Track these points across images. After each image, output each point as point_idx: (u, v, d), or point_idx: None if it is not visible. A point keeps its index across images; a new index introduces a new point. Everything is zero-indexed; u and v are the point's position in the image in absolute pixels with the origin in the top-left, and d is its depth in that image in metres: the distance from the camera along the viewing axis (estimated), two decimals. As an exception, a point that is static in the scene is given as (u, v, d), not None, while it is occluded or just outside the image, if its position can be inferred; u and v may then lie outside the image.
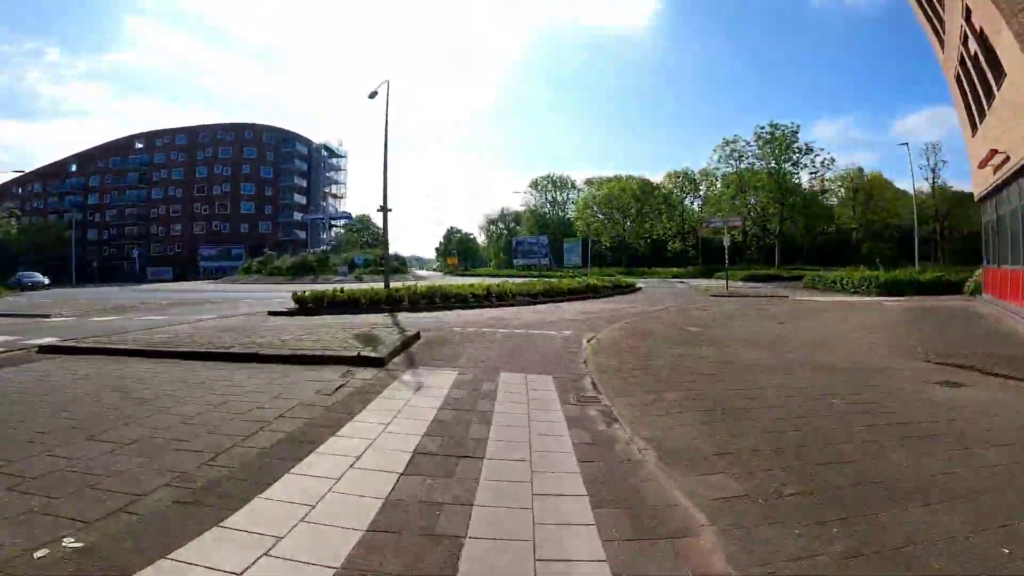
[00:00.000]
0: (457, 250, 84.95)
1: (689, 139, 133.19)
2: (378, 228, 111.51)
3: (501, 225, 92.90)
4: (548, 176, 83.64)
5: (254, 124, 76.32)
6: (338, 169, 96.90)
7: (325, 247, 66.36)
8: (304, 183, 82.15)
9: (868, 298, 20.61)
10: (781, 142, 39.22)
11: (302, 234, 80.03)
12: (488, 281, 21.52)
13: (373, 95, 17.63)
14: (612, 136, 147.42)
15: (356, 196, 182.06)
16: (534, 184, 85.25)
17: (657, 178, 62.51)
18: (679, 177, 58.89)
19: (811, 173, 40.02)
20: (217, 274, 60.74)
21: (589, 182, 73.94)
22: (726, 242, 22.38)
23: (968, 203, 53.18)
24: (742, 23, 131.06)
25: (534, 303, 16.06)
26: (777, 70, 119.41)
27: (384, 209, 16.70)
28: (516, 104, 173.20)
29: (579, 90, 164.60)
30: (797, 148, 39.08)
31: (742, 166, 41.91)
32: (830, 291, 24.73)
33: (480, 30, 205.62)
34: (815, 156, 39.32)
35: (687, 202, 60.77)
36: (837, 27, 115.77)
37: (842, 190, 44.11)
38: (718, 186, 52.25)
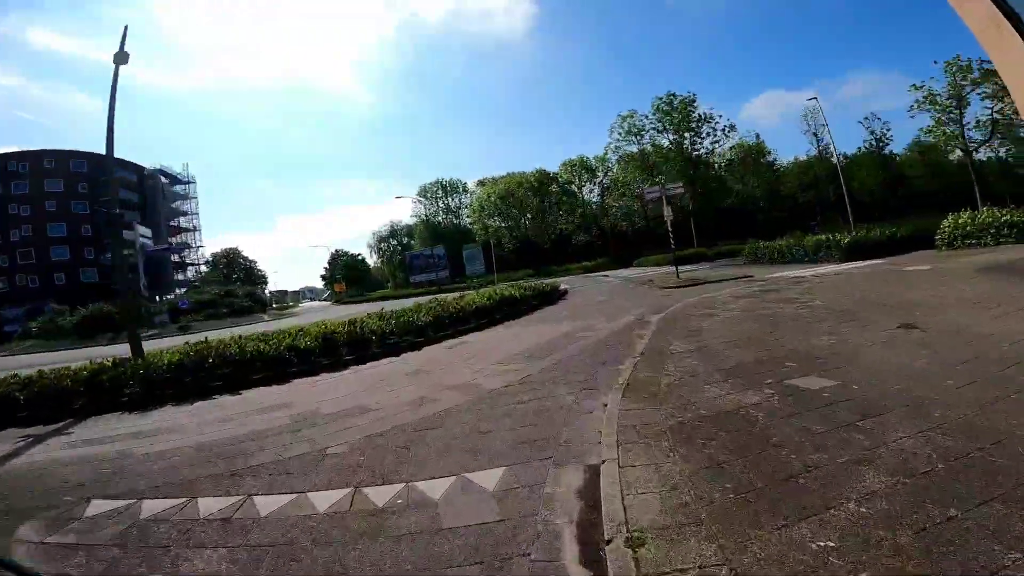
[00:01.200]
0: (345, 274, 74.58)
1: (579, 135, 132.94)
2: (251, 261, 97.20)
3: (394, 241, 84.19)
4: (438, 181, 76.66)
5: (55, 150, 60.78)
6: (186, 197, 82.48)
7: (142, 293, 53.70)
8: (138, 217, 67.13)
9: (853, 265, 16.26)
10: (681, 111, 35.86)
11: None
12: (350, 312, 14.19)
13: (122, 58, 9.83)
14: (502, 141, 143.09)
15: (223, 226, 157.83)
16: (423, 192, 77.88)
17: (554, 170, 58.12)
18: (575, 165, 54.79)
19: (713, 141, 37.31)
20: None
21: (481, 183, 68.01)
22: (668, 215, 16.97)
23: (850, 167, 54.71)
24: (610, 21, 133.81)
25: (417, 346, 9.02)
26: (645, 63, 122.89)
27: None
28: (401, 119, 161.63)
29: (464, 98, 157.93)
30: (697, 117, 35.97)
31: (644, 141, 38.27)
32: (785, 263, 20.64)
33: (355, 44, 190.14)
34: (715, 124, 36.63)
35: (586, 191, 56.97)
36: (690, 19, 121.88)
37: (737, 160, 42.09)
38: (614, 170, 48.57)
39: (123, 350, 9.11)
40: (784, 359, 4.78)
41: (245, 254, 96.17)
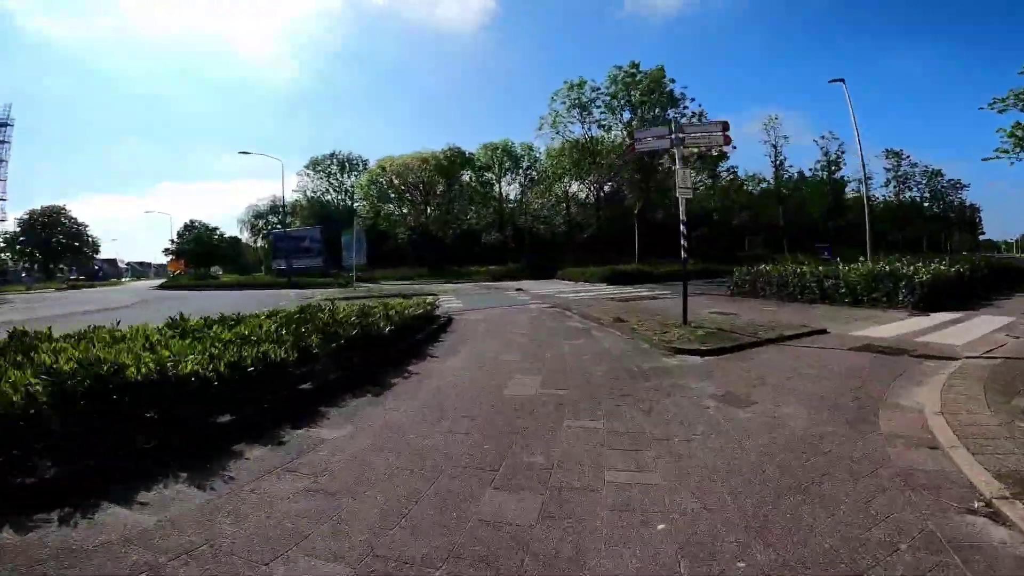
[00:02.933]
0: (192, 250, 58.95)
1: (516, 136, 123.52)
2: (80, 225, 76.95)
3: (274, 219, 69.31)
4: (333, 154, 63.71)
5: None
6: (-2, 141, 62.95)
7: None
8: None
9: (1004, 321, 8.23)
10: (648, 85, 26.99)
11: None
12: None
13: None
14: (435, 132, 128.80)
15: (91, 186, 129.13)
16: (313, 164, 64.51)
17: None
18: (497, 150, 45.13)
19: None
20: None
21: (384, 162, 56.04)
22: (683, 187, 7.73)
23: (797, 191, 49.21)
24: (563, 29, 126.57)
25: None
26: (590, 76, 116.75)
27: None
28: (325, 97, 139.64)
29: (399, 83, 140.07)
30: (667, 95, 27.50)
31: (591, 119, 29.25)
32: (810, 302, 12.87)
33: (286, 14, 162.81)
34: (685, 108, 28.43)
35: (505, 183, 47.66)
36: (635, 33, 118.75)
37: (707, 163, 34.15)
38: (542, 159, 39.66)
39: None
40: None
41: (74, 215, 75.72)
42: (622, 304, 12.82)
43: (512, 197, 49.23)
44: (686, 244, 7.88)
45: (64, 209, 73.44)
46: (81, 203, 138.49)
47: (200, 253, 59.16)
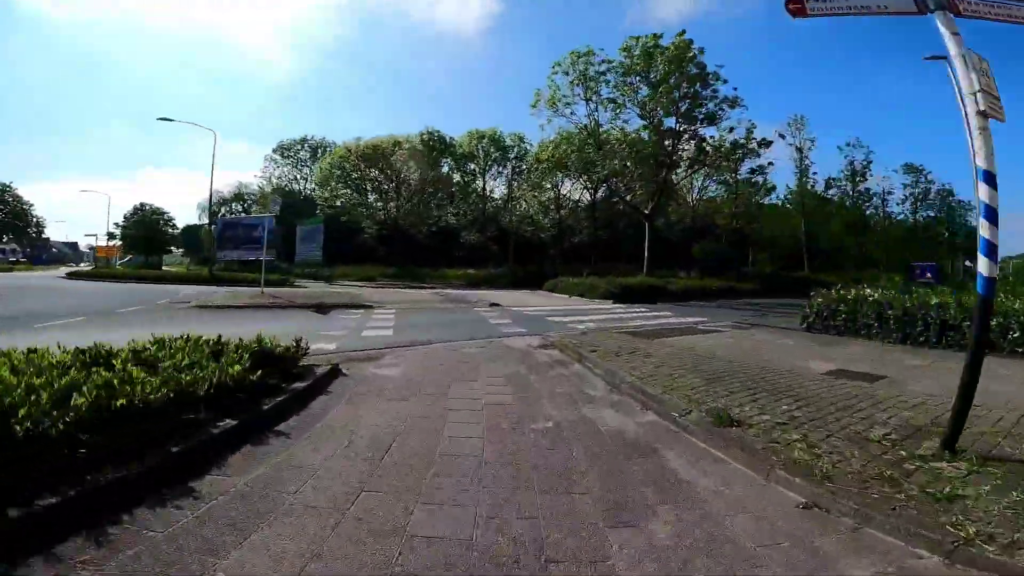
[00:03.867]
0: (140, 235, 52.73)
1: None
2: (25, 204, 71.98)
3: (239, 207, 63.50)
4: (304, 139, 58.41)
5: None
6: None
7: None
8: None
9: None
10: (676, 56, 21.10)
11: None
12: None
13: None
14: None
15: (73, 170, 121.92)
16: (282, 150, 59.03)
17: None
18: (484, 138, 39.66)
19: (705, 115, 22.82)
20: None
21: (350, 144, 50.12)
22: (990, 99, 2.75)
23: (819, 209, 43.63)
24: (568, 37, 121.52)
25: None
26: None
27: None
28: (318, 91, 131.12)
29: (397, 80, 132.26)
30: (697, 70, 21.56)
31: (601, 95, 23.56)
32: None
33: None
34: (715, 89, 22.30)
35: (490, 177, 42.23)
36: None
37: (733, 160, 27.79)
38: (534, 150, 34.35)
39: None
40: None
41: (19, 193, 70.70)
42: (659, 344, 7.64)
43: (497, 195, 44.08)
44: (990, 238, 2.72)
45: (10, 187, 67.88)
46: (61, 184, 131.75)
47: (146, 239, 52.44)
